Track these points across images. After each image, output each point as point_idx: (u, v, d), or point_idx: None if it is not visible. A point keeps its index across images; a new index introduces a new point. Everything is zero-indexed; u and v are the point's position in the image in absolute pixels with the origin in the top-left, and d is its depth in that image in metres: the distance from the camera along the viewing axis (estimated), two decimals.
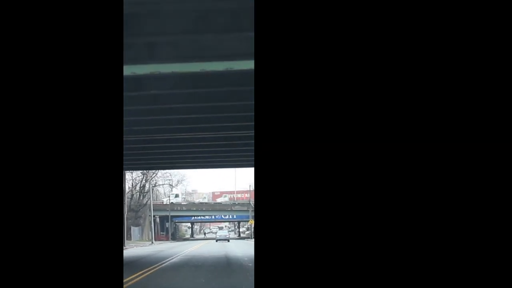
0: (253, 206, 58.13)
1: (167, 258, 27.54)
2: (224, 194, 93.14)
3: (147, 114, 18.54)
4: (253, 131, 4.42)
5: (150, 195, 69.46)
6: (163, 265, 22.58)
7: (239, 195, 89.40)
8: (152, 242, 62.36)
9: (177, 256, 29.81)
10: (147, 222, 70.66)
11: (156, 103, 17.23)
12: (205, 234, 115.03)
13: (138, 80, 15.12)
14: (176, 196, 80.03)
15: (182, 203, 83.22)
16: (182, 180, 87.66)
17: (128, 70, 12.49)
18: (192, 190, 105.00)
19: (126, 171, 48.75)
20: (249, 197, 79.99)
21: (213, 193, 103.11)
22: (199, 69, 13.77)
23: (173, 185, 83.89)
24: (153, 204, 69.10)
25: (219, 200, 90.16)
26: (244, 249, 37.21)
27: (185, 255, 31.59)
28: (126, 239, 50.00)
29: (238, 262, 22.89)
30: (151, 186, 70.46)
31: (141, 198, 72.27)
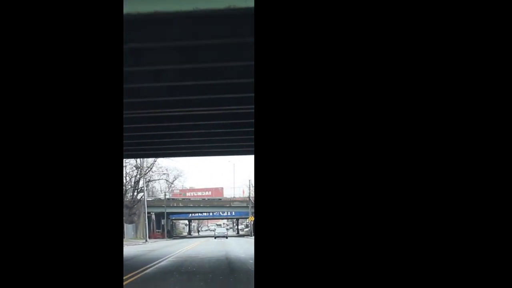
0: (253, 202, 57.11)
1: (156, 261, 23.35)
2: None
3: (125, 81, 14.33)
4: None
5: (144, 191, 66.95)
6: (147, 270, 18.23)
7: (205, 193, 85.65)
8: (146, 240, 60.74)
9: (168, 258, 25.78)
10: (141, 219, 68.41)
11: (137, 64, 13.05)
12: (198, 231, 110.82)
13: None
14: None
15: (179, 199, 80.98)
16: (178, 176, 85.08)
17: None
18: (190, 187, 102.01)
19: None
20: (211, 195, 78.23)
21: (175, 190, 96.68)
22: (192, 7, 10.01)
23: (170, 180, 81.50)
24: (149, 201, 66.79)
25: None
26: (246, 248, 33.61)
27: (178, 256, 27.61)
28: None
29: (242, 266, 18.71)
30: (145, 182, 67.88)
31: (135, 194, 69.69)
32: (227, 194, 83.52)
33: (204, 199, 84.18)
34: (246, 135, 20.31)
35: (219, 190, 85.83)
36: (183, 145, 23.86)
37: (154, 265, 20.95)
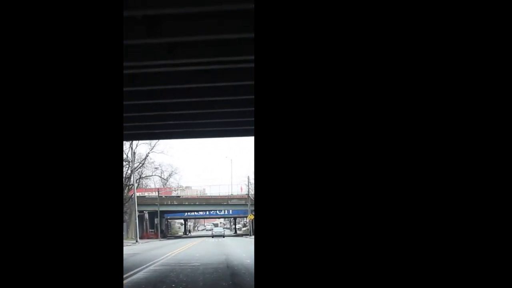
0: (252, 200, 53.05)
1: (131, 271, 17.79)
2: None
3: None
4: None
5: (134, 187, 62.90)
6: None
7: (153, 193, 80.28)
8: (137, 241, 56.98)
9: (150, 266, 20.35)
10: (133, 218, 64.47)
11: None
12: (190, 231, 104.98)
13: None
14: None
15: (174, 197, 77.36)
16: (173, 173, 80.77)
17: None
18: (186, 187, 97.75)
19: None
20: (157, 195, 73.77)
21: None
22: None
23: (164, 177, 77.37)
24: (142, 199, 62.80)
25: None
26: (248, 250, 28.40)
27: (164, 262, 22.33)
28: None
29: (252, 281, 13.35)
30: (134, 177, 63.67)
31: (126, 191, 65.34)
32: (224, 191, 79.01)
33: (200, 197, 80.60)
34: (251, 106, 15.35)
35: (168, 191, 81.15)
36: (172, 122, 18.84)
37: (128, 277, 15.38)
